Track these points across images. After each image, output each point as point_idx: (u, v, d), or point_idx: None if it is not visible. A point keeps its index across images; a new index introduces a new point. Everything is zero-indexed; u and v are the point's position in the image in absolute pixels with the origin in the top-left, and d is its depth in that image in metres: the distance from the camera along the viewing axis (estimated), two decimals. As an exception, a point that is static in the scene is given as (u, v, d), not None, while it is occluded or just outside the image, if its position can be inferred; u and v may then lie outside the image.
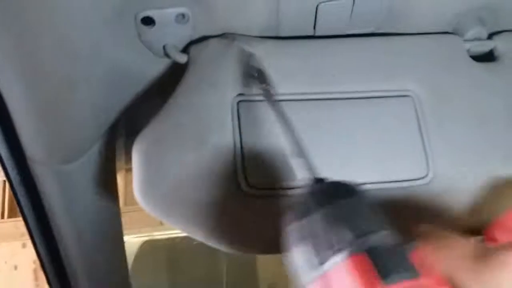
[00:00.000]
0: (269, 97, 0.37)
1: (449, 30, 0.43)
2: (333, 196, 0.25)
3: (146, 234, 1.79)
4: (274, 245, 0.36)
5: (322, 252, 0.22)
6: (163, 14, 0.37)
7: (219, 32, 0.41)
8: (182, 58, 0.41)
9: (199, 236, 0.37)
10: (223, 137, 0.38)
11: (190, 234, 0.37)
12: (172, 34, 0.39)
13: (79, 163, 0.41)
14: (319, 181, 0.29)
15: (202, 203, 0.36)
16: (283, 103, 0.39)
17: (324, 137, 0.39)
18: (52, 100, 0.35)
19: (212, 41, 0.41)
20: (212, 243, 0.37)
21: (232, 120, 0.38)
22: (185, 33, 0.40)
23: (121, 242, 0.55)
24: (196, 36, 0.41)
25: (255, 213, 0.37)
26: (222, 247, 0.37)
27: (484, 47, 0.44)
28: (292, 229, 0.25)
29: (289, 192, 0.37)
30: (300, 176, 0.37)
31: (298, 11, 0.39)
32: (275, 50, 0.41)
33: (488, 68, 0.43)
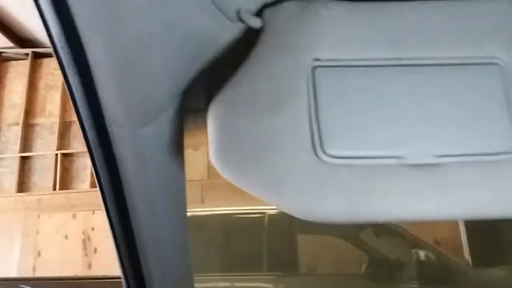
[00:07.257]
0: None
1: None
2: None
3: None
4: (346, 214, 0.36)
5: None
6: None
7: (294, -5, 0.40)
8: (255, 23, 0.40)
9: (271, 201, 0.37)
10: (298, 104, 0.37)
11: (263, 198, 0.38)
12: (246, -2, 0.39)
13: (153, 127, 0.42)
14: None
15: (275, 170, 0.36)
16: (358, 68, 0.38)
17: (403, 106, 0.37)
18: (132, 62, 0.36)
19: (287, 5, 0.40)
20: (283, 209, 0.37)
21: (308, 86, 0.37)
22: (260, -3, 0.40)
23: (185, 209, 0.56)
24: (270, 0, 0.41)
25: (331, 181, 0.36)
26: (294, 213, 0.37)
27: None
28: None
29: (368, 161, 0.36)
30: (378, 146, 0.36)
31: None
32: (352, 13, 0.39)
33: None
